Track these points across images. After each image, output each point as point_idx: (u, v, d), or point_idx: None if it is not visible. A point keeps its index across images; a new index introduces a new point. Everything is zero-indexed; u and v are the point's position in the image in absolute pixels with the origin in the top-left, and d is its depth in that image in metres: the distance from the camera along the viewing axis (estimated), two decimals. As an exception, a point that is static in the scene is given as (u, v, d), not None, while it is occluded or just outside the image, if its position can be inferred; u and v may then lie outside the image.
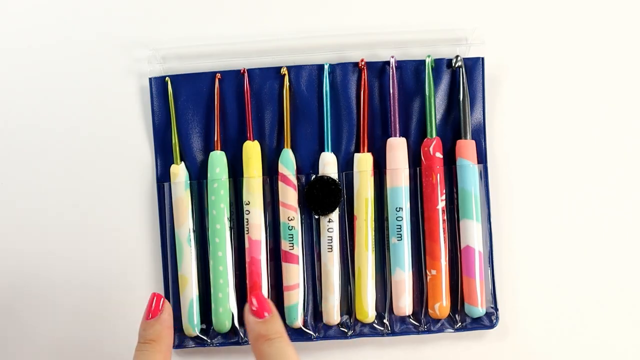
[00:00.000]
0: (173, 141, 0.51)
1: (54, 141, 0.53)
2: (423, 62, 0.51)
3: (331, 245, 0.50)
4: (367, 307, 0.50)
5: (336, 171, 0.51)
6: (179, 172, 0.51)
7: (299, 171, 0.51)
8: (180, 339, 0.52)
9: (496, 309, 0.51)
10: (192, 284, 0.51)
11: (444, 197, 0.50)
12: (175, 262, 0.51)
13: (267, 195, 0.51)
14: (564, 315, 0.52)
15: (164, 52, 0.53)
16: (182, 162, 0.51)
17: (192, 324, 0.51)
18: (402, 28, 0.53)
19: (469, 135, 0.51)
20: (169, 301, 0.51)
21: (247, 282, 0.51)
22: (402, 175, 0.50)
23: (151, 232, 0.53)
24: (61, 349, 0.53)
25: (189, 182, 0.51)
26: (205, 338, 0.51)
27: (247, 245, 0.51)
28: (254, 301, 0.43)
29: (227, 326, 0.51)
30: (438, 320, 0.51)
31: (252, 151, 0.51)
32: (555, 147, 0.53)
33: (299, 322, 0.51)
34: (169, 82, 0.52)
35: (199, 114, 0.52)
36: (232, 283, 0.51)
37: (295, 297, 0.51)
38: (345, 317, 0.51)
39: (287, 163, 0.51)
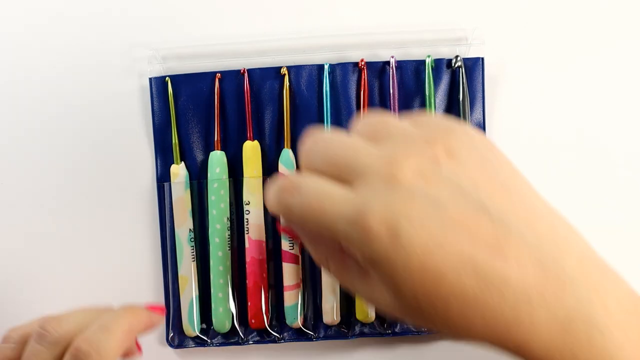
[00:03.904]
0: (173, 141, 0.51)
1: (53, 141, 0.53)
2: (423, 62, 0.51)
3: (331, 245, 0.50)
4: (367, 307, 0.50)
5: (336, 171, 0.51)
6: (179, 172, 0.51)
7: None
8: (180, 339, 0.52)
9: (496, 309, 0.51)
10: (192, 284, 0.51)
11: (444, 197, 0.50)
12: (175, 262, 0.51)
13: (267, 195, 0.51)
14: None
15: (164, 52, 0.53)
16: (182, 162, 0.51)
17: (192, 324, 0.51)
18: (402, 28, 0.53)
19: (469, 135, 0.51)
20: (170, 301, 0.51)
21: (247, 282, 0.51)
22: (402, 175, 0.50)
23: (151, 232, 0.53)
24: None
25: (189, 182, 0.51)
26: (205, 338, 0.51)
27: (247, 245, 0.51)
28: None
29: (227, 326, 0.51)
30: (438, 320, 0.51)
31: (252, 151, 0.51)
32: (554, 147, 0.53)
33: (299, 322, 0.51)
34: (169, 82, 0.52)
35: (199, 114, 0.52)
36: (232, 283, 0.51)
37: (295, 297, 0.51)
38: (346, 317, 0.51)
39: (287, 163, 0.51)
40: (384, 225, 0.30)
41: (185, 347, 0.52)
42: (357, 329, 0.51)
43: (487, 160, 0.32)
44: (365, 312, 0.51)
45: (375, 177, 0.32)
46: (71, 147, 0.53)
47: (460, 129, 0.33)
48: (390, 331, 0.51)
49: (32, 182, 0.53)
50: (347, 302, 0.51)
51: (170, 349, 0.52)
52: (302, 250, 0.51)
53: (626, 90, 0.53)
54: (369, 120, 0.35)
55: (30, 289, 0.53)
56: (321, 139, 0.35)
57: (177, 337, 0.52)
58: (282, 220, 0.40)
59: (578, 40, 0.53)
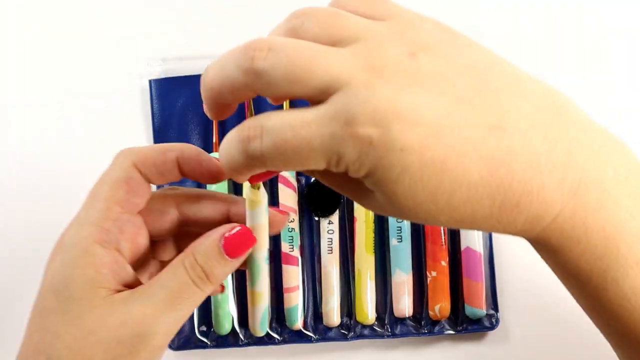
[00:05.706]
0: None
1: (53, 141, 0.53)
2: (423, 62, 0.51)
3: (331, 247, 0.50)
4: (367, 309, 0.50)
5: (336, 172, 0.51)
6: None
7: (298, 173, 0.51)
8: (181, 341, 0.52)
9: (496, 311, 0.51)
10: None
11: (444, 198, 0.50)
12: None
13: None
14: (564, 316, 0.52)
15: (163, 53, 0.52)
16: None
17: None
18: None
19: (469, 136, 0.51)
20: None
21: (247, 284, 0.51)
22: (402, 176, 0.50)
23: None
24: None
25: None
26: (205, 340, 0.51)
27: (247, 247, 0.51)
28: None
29: (226, 328, 0.51)
30: (438, 322, 0.51)
31: (251, 153, 0.51)
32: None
33: (299, 324, 0.51)
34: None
35: (199, 115, 0.52)
36: (232, 285, 0.51)
37: (295, 299, 0.51)
38: (346, 318, 0.51)
39: (287, 164, 0.51)
40: (374, 129, 0.28)
41: (185, 349, 0.52)
42: (357, 330, 0.51)
43: (461, 46, 0.31)
44: (366, 313, 0.50)
45: (353, 84, 0.29)
46: (71, 147, 0.53)
47: (423, 19, 0.32)
48: (390, 333, 0.51)
49: (32, 183, 0.53)
50: (347, 303, 0.51)
51: (170, 351, 0.52)
52: (302, 252, 0.51)
53: (628, 91, 0.53)
54: (318, 17, 0.31)
55: (29, 289, 0.53)
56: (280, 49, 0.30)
57: (177, 339, 0.52)
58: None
59: (579, 41, 0.53)
